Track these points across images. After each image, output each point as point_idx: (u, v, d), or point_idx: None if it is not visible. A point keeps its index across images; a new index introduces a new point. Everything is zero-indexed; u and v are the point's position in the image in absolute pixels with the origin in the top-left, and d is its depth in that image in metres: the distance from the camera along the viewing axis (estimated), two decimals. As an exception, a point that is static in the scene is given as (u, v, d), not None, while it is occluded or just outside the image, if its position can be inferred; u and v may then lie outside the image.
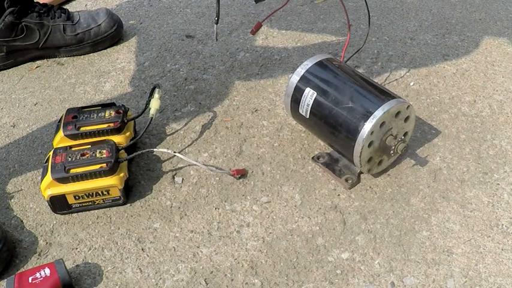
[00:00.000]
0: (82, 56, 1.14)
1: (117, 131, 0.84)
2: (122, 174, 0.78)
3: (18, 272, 0.70)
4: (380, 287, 0.69)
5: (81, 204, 0.78)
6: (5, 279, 0.67)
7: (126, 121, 0.86)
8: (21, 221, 0.79)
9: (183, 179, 0.85)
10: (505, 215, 0.77)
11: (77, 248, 0.75)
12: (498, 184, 0.82)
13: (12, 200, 0.83)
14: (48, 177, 0.75)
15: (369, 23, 0.92)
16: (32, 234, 0.77)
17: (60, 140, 0.83)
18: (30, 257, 0.74)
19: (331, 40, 1.15)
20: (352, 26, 1.18)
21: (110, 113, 0.86)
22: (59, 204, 0.77)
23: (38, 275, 0.67)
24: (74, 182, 0.76)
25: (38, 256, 0.74)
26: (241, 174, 0.84)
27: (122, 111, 0.86)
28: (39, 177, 0.85)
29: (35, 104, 1.02)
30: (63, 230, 0.78)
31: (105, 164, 0.76)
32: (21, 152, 0.92)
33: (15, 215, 0.80)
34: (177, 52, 1.14)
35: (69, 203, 0.78)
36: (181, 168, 0.87)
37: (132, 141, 0.84)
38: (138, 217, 0.79)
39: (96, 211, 0.80)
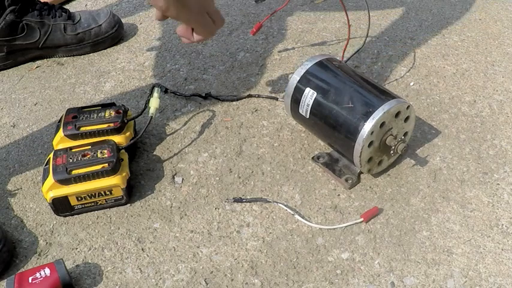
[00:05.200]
0: (82, 56, 1.14)
1: (117, 131, 0.84)
2: (124, 174, 0.78)
3: (18, 272, 0.70)
4: (380, 287, 0.69)
5: (83, 206, 0.78)
6: (5, 279, 0.67)
7: (126, 121, 0.86)
8: (21, 221, 0.79)
9: (183, 179, 0.85)
10: (505, 215, 0.77)
11: (77, 248, 0.75)
12: (498, 184, 0.82)
13: (12, 200, 0.83)
14: (50, 179, 0.75)
15: (369, 23, 0.92)
16: (32, 234, 0.77)
17: (60, 140, 0.83)
18: (30, 257, 0.74)
19: (331, 40, 1.15)
20: (352, 26, 1.18)
21: (110, 113, 0.86)
22: (61, 206, 0.77)
23: (38, 275, 0.67)
24: (77, 183, 0.76)
25: (38, 256, 0.74)
26: (373, 215, 0.78)
27: (121, 111, 0.86)
28: (40, 178, 0.85)
29: (35, 104, 1.02)
30: (63, 230, 0.78)
31: (107, 164, 0.76)
32: (21, 152, 0.92)
33: (15, 215, 0.80)
34: (177, 52, 1.14)
35: (72, 204, 0.77)
36: (181, 168, 0.87)
37: (132, 141, 0.84)
38: (138, 217, 0.79)
39: (96, 211, 0.80)
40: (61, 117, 0.87)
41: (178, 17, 0.73)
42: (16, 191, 0.84)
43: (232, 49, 1.14)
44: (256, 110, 0.97)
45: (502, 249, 0.73)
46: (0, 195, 0.84)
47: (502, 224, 0.76)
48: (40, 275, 0.67)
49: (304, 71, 0.83)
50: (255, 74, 1.07)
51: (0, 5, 1.05)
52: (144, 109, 0.87)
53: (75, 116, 0.85)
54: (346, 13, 0.87)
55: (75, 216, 0.79)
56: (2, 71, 1.12)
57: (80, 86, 1.06)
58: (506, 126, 0.92)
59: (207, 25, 0.77)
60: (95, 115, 0.85)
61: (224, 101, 0.99)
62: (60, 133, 0.83)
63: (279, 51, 1.13)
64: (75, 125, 0.83)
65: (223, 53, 1.13)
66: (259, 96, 1.00)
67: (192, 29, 0.78)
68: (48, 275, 0.67)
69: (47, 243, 0.76)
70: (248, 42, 1.16)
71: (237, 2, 1.30)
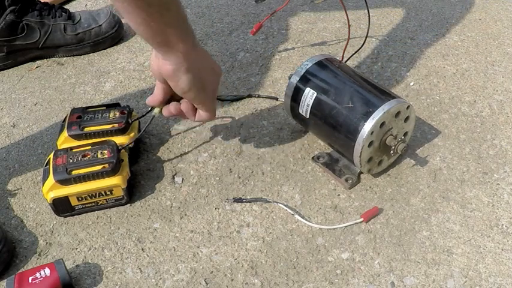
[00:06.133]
0: (82, 56, 1.14)
1: (122, 131, 0.84)
2: (124, 174, 0.78)
3: (18, 272, 0.70)
4: (380, 287, 0.69)
5: (84, 206, 0.78)
6: (5, 279, 0.67)
7: (130, 122, 0.86)
8: (21, 221, 0.79)
9: (183, 179, 0.85)
10: (505, 215, 0.77)
11: (77, 248, 0.75)
12: (498, 184, 0.82)
13: (12, 200, 0.83)
14: (51, 179, 0.75)
15: (369, 23, 0.92)
16: (32, 234, 0.77)
17: (64, 140, 0.83)
18: (30, 257, 0.74)
19: (331, 40, 1.15)
20: (352, 26, 1.18)
21: (114, 114, 0.85)
22: (61, 206, 0.77)
23: (38, 275, 0.67)
24: (77, 183, 0.76)
25: (38, 256, 0.74)
26: (373, 215, 0.78)
27: (126, 112, 0.86)
28: (40, 178, 0.85)
29: (35, 104, 1.02)
30: (63, 230, 0.78)
31: (107, 165, 0.76)
32: (21, 152, 0.92)
33: (15, 215, 0.80)
34: (177, 52, 1.14)
35: (72, 204, 0.77)
36: (181, 168, 0.87)
37: (131, 140, 0.83)
38: (138, 217, 0.79)
39: (96, 211, 0.80)
40: (65, 117, 0.87)
41: (196, 97, 0.74)
42: (16, 191, 0.84)
43: (232, 49, 1.14)
44: (256, 110, 0.97)
45: (502, 249, 0.73)
46: (0, 195, 0.84)
47: (502, 224, 0.76)
48: (40, 275, 0.67)
49: (304, 71, 0.83)
50: (255, 74, 1.07)
51: (0, 5, 1.05)
52: (149, 110, 0.87)
53: (79, 116, 0.85)
54: (346, 13, 0.87)
55: (75, 216, 0.79)
56: (2, 71, 1.12)
57: (80, 86, 1.06)
58: (506, 126, 0.92)
59: (215, 105, 0.78)
60: (100, 115, 0.85)
61: (224, 101, 0.99)
62: (65, 133, 0.83)
63: (279, 51, 1.13)
64: (80, 125, 0.83)
65: (223, 53, 1.13)
66: (259, 96, 1.00)
67: (195, 110, 0.78)
68: (48, 275, 0.67)
69: (47, 243, 0.76)
70: (248, 42, 1.16)
71: (237, 2, 1.30)
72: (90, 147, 0.79)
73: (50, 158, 0.78)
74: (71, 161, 0.77)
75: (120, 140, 0.82)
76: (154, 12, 0.61)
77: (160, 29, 0.63)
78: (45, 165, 0.79)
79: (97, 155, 0.77)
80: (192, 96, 0.73)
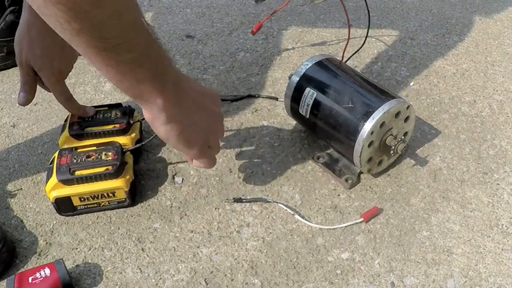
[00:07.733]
0: (82, 56, 1.14)
1: (123, 132, 0.84)
2: (127, 177, 0.78)
3: (18, 272, 0.70)
4: (380, 287, 0.69)
5: (86, 206, 0.78)
6: (5, 279, 0.67)
7: (132, 122, 0.86)
8: (21, 221, 0.79)
9: (183, 179, 0.85)
10: (505, 215, 0.77)
11: (77, 248, 0.75)
12: (498, 184, 0.82)
13: (12, 200, 0.83)
14: (53, 178, 0.75)
15: (369, 23, 0.92)
16: (32, 234, 0.77)
17: (65, 139, 0.83)
18: (30, 257, 0.74)
19: (331, 40, 1.15)
20: (352, 26, 1.18)
21: (116, 114, 0.85)
22: (64, 206, 0.77)
23: (38, 275, 0.67)
24: (79, 184, 0.76)
25: (38, 256, 0.74)
26: (373, 215, 0.78)
27: (127, 113, 0.86)
28: (40, 177, 0.85)
29: (35, 104, 1.02)
30: (63, 230, 0.78)
31: (110, 167, 0.76)
32: (21, 152, 0.92)
33: (15, 215, 0.80)
34: (177, 52, 1.14)
35: (75, 204, 0.77)
36: (181, 168, 0.87)
37: (137, 145, 0.83)
38: (138, 217, 0.79)
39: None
40: (67, 117, 0.87)
41: (176, 147, 0.70)
42: (16, 191, 0.84)
43: (232, 49, 1.14)
44: (256, 110, 0.97)
45: (502, 249, 0.73)
46: (0, 195, 0.84)
47: (502, 224, 0.76)
48: (40, 275, 0.67)
49: (304, 71, 0.83)
50: (255, 74, 1.07)
51: (0, 5, 1.05)
52: None
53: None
54: (346, 13, 0.87)
55: (75, 216, 0.79)
56: (2, 71, 1.12)
57: (80, 86, 1.06)
58: (506, 126, 0.92)
59: (206, 159, 0.73)
60: (101, 116, 0.85)
61: (224, 101, 0.99)
62: (66, 133, 0.83)
63: (279, 51, 1.13)
64: (81, 125, 0.83)
65: (223, 53, 1.13)
66: (259, 96, 1.00)
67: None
68: (48, 275, 0.67)
69: (47, 243, 0.76)
70: (248, 42, 1.16)
71: (237, 2, 1.31)
72: (95, 148, 0.79)
73: (54, 157, 0.78)
74: (75, 161, 0.76)
75: (122, 140, 0.82)
76: (124, 70, 0.56)
77: (132, 86, 0.58)
78: (50, 164, 0.79)
79: (101, 157, 0.77)
80: (173, 145, 0.69)
